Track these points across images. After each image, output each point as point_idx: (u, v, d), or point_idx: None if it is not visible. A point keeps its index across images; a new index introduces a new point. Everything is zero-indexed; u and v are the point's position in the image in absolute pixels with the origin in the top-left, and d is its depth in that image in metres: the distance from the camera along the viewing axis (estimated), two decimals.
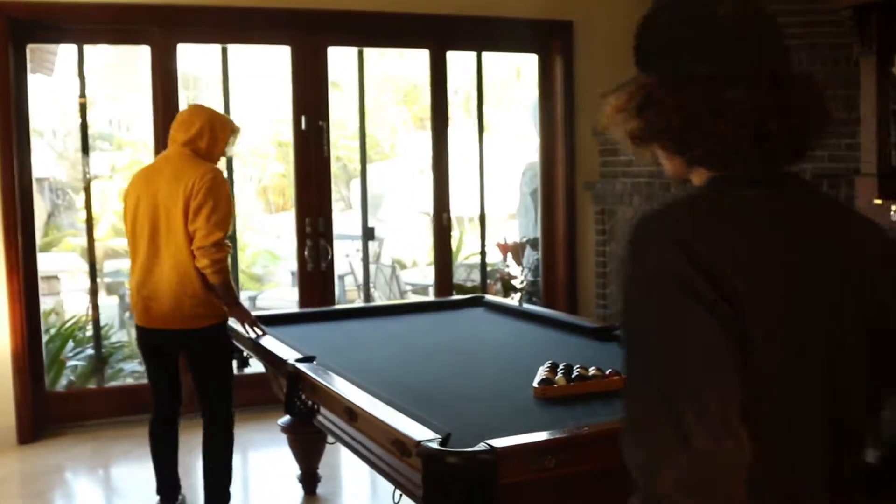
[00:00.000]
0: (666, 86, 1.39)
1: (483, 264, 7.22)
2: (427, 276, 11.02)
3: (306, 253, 6.27)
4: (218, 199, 4.15)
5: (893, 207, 5.26)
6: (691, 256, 1.27)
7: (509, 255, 7.72)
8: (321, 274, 6.31)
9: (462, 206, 8.15)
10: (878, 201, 5.38)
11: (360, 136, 6.90)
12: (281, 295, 10.49)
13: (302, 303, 6.29)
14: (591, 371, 3.38)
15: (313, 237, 6.28)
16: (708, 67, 1.35)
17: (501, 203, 10.49)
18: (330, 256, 6.24)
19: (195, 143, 4.29)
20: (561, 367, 3.43)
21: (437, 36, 6.63)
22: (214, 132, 4.32)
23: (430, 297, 10.30)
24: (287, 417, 4.55)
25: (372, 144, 14.45)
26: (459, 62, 7.97)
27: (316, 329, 4.64)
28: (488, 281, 7.39)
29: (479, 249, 7.27)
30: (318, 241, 6.28)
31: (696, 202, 1.37)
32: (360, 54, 6.58)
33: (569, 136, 7.12)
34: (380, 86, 14.69)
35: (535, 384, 3.26)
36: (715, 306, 1.25)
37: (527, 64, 13.41)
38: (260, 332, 4.34)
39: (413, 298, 9.61)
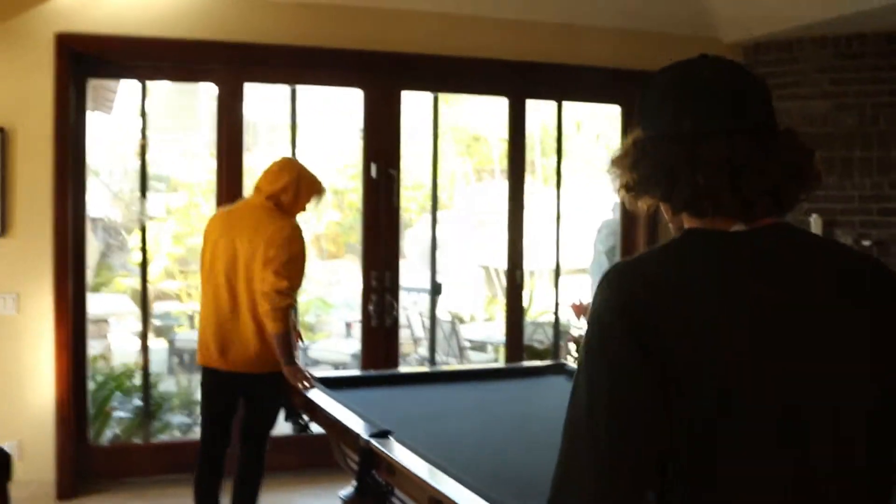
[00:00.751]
0: (654, 141, 1.49)
1: (557, 324, 6.79)
2: (486, 332, 10.62)
3: (371, 308, 5.89)
4: (292, 252, 4.23)
5: None
6: (625, 307, 1.39)
7: (583, 317, 7.29)
8: (385, 330, 5.93)
9: (532, 260, 7.75)
10: None
11: (433, 187, 6.55)
12: (334, 346, 10.13)
13: (365, 359, 5.91)
14: None
15: (379, 291, 5.90)
16: (691, 123, 1.45)
17: (573, 259, 10.08)
18: (395, 312, 5.86)
19: (278, 196, 4.35)
20: None
21: (517, 83, 6.28)
22: (299, 190, 4.37)
23: (489, 354, 9.91)
24: (350, 490, 4.14)
25: (430, 195, 14.16)
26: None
27: (384, 395, 4.24)
28: (560, 342, 6.95)
29: (549, 307, 6.85)
30: (383, 295, 5.90)
31: (663, 252, 1.49)
32: (436, 100, 6.24)
33: None
34: (442, 134, 14.42)
35: None
36: (634, 356, 1.37)
37: (587, 117, 13.10)
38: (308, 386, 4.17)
39: (476, 358, 9.18)
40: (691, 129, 1.45)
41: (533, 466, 3.09)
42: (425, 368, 6.73)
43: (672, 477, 1.39)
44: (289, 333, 4.25)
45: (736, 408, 1.37)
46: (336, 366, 9.23)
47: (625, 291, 1.41)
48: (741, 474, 1.38)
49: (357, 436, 3.30)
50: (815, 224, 6.16)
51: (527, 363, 5.17)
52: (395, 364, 6.02)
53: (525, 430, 3.62)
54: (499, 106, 11.30)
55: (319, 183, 4.49)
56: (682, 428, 1.37)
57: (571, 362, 5.05)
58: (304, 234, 4.40)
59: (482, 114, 12.82)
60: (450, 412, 3.91)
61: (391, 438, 3.24)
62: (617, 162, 1.56)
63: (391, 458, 3.01)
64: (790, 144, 1.48)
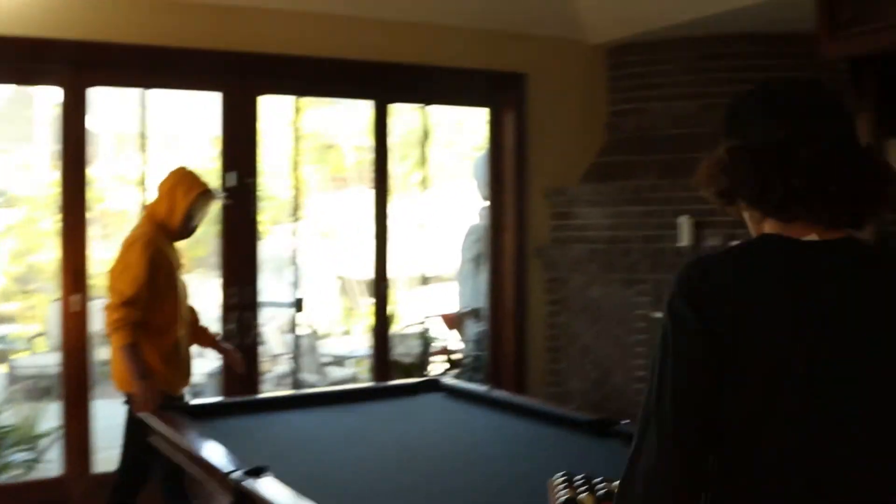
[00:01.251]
0: (747, 149, 1.61)
1: (425, 336, 6.51)
2: (346, 346, 10.25)
3: (233, 326, 5.47)
4: (125, 261, 4.12)
5: None
6: (691, 296, 1.56)
7: (455, 328, 7.04)
8: (246, 348, 5.51)
9: (397, 269, 7.45)
10: None
11: (295, 196, 6.14)
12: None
13: (225, 379, 5.48)
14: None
15: (238, 308, 5.49)
16: (784, 133, 1.58)
17: (439, 267, 9.81)
18: (256, 330, 5.46)
19: (154, 208, 4.25)
20: (578, 479, 2.75)
21: (381, 85, 5.98)
22: (174, 198, 4.20)
23: (349, 370, 9.53)
24: None
25: (279, 206, 13.70)
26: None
27: (252, 423, 3.85)
28: (428, 355, 6.68)
29: (415, 319, 6.57)
30: (242, 312, 5.50)
31: (733, 251, 1.63)
32: (297, 105, 5.88)
33: (519, 198, 6.52)
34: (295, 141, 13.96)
35: None
36: (696, 338, 1.54)
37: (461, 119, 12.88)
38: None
39: (336, 374, 8.79)
40: (784, 138, 1.58)
41: (421, 499, 2.80)
42: (291, 391, 6.32)
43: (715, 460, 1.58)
44: (131, 347, 4.10)
45: (777, 407, 1.53)
46: (190, 387, 8.67)
47: (691, 283, 1.58)
48: (775, 471, 1.54)
49: (226, 474, 2.92)
50: (685, 224, 6.07)
51: (400, 381, 4.86)
52: (256, 384, 5.62)
53: (412, 457, 3.31)
54: (354, 112, 10.98)
55: (203, 186, 4.28)
56: (730, 413, 1.55)
57: (451, 380, 4.76)
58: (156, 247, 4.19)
59: (336, 120, 12.46)
60: (327, 441, 3.57)
61: (267, 476, 2.88)
62: (710, 169, 1.69)
63: (269, 500, 2.65)
64: (871, 156, 1.61)
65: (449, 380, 4.68)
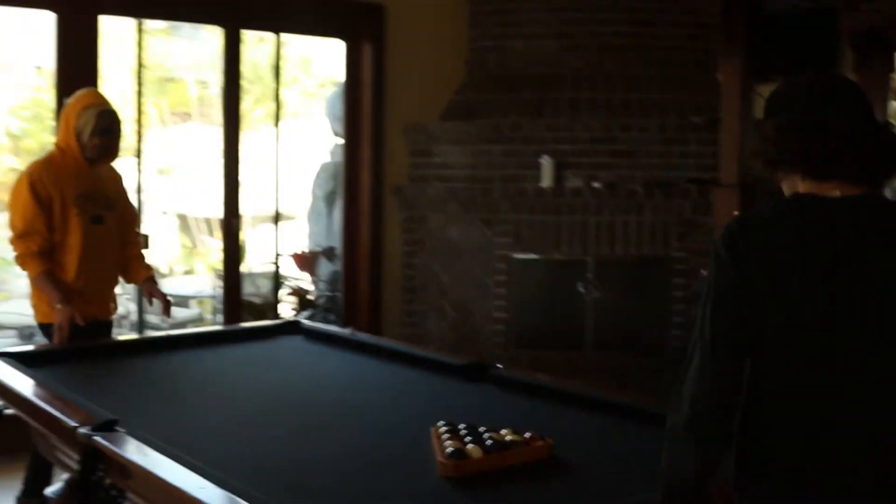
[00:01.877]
0: (794, 124, 1.93)
1: (277, 276, 6.23)
2: (189, 285, 9.82)
3: None
4: (14, 197, 4.03)
5: None
6: (732, 248, 1.88)
7: (305, 268, 6.78)
8: None
9: (247, 206, 7.12)
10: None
11: (138, 129, 5.70)
12: (19, 309, 8.96)
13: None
14: (507, 435, 2.56)
15: None
16: (822, 112, 1.92)
17: (289, 205, 9.46)
18: None
19: (58, 136, 4.14)
20: (462, 428, 2.60)
21: (231, 10, 5.61)
22: (66, 117, 4.04)
23: (193, 310, 9.14)
24: (60, 486, 3.45)
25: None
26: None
27: (98, 371, 3.55)
28: (280, 296, 6.41)
29: (266, 258, 6.29)
30: None
31: (773, 206, 1.97)
32: (140, 28, 5.45)
33: (377, 135, 6.29)
34: (135, 71, 13.23)
35: (443, 456, 2.40)
36: (734, 285, 1.87)
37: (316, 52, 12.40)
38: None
39: (180, 314, 8.40)
40: (822, 115, 1.91)
41: (295, 451, 2.59)
42: (137, 335, 5.96)
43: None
44: (43, 276, 3.97)
45: (801, 341, 1.84)
46: (23, 332, 8.13)
47: (733, 236, 1.90)
48: (797, 400, 1.85)
49: (73, 428, 2.63)
50: (547, 165, 5.98)
51: (258, 323, 4.60)
52: None
53: (278, 406, 3.10)
54: (197, 44, 10.43)
55: (88, 95, 4.10)
56: (763, 347, 1.87)
57: (311, 322, 4.53)
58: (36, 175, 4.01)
59: (178, 52, 11.84)
60: (184, 389, 3.31)
61: (119, 430, 2.61)
62: (760, 143, 2.00)
63: (124, 457, 2.39)
64: (888, 129, 1.97)
65: (309, 322, 4.46)
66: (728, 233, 1.90)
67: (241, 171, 5.80)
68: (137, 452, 2.41)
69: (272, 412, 3.00)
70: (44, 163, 4.07)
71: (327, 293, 6.65)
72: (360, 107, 6.34)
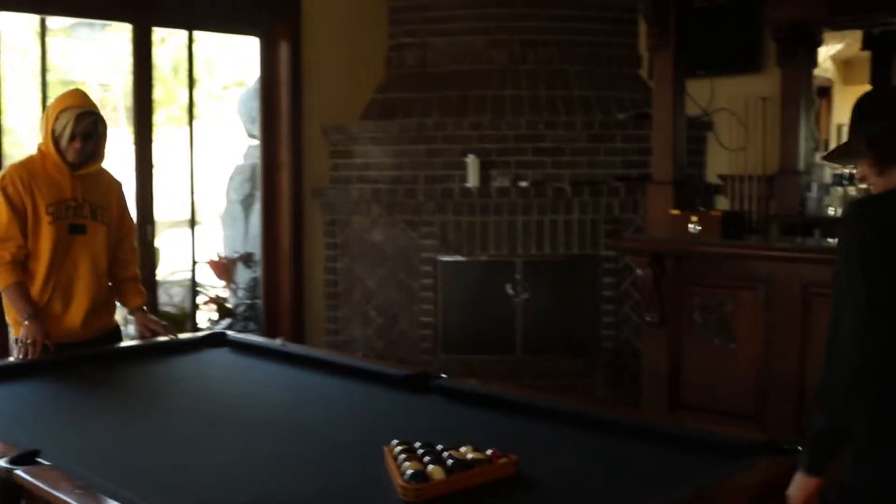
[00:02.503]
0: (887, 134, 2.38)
1: (194, 284, 5.96)
2: None
3: None
4: None
5: (693, 218, 4.72)
6: (872, 223, 2.31)
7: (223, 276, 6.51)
8: None
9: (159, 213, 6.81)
10: (676, 211, 4.82)
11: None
12: None
13: None
14: (468, 453, 2.39)
15: None
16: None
17: (204, 211, 9.13)
18: None
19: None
20: (419, 447, 2.42)
21: (142, 8, 5.33)
22: (46, 120, 3.73)
23: None
24: None
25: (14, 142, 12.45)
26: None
27: (5, 393, 3.26)
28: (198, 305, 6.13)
29: (182, 266, 6.01)
30: None
31: (881, 195, 2.39)
32: (43, 24, 5.12)
33: (295, 136, 6.06)
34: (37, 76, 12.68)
35: (403, 480, 2.22)
36: (879, 255, 2.26)
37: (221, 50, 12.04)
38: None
39: None
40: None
41: (239, 481, 2.38)
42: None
43: None
44: (11, 288, 3.67)
45: None
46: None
47: (869, 214, 2.34)
48: None
49: None
50: (473, 164, 5.84)
51: (182, 336, 4.32)
52: (4, 349, 4.91)
53: (211, 429, 2.87)
54: (99, 45, 10.03)
55: (67, 97, 3.74)
56: None
57: (236, 334, 4.29)
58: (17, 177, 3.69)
59: (79, 54, 11.39)
60: (108, 413, 3.05)
61: (43, 462, 2.37)
62: (866, 143, 2.38)
63: (53, 495, 2.15)
64: None
65: (236, 334, 4.23)
66: (863, 212, 2.37)
67: (153, 175, 5.52)
68: (68, 489, 2.17)
69: (208, 436, 2.77)
70: (19, 166, 3.75)
71: (246, 301, 6.39)
72: (277, 107, 6.11)
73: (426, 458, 2.33)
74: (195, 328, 5.84)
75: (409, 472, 2.25)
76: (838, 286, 2.29)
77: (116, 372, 3.59)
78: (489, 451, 2.41)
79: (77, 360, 3.67)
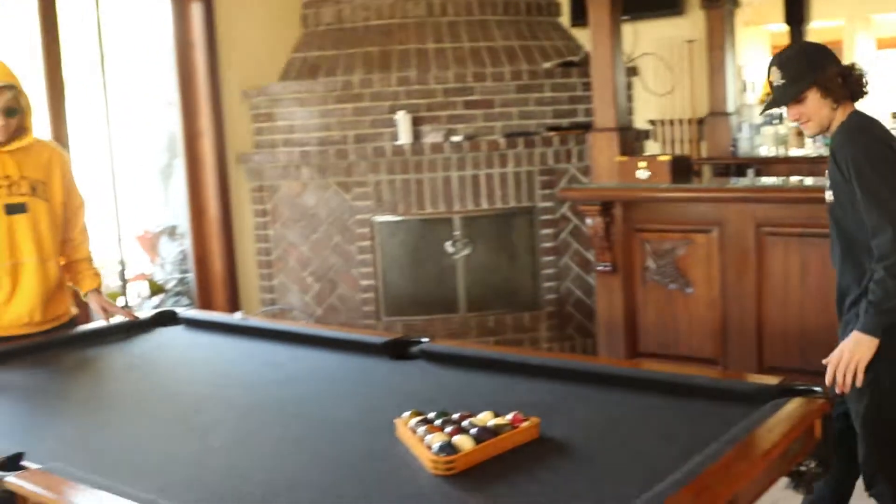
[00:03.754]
0: (846, 71, 3.02)
1: (123, 263, 5.67)
2: None
3: None
4: None
5: (640, 164, 4.68)
6: (882, 136, 2.98)
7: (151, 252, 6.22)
8: None
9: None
10: (622, 158, 4.77)
11: None
12: None
13: None
14: (489, 420, 2.29)
15: None
16: (838, 68, 3.01)
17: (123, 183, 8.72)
18: None
19: None
20: (433, 416, 2.31)
21: None
22: None
23: None
24: None
25: None
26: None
27: None
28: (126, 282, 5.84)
29: (104, 242, 5.70)
30: None
31: (864, 116, 3.03)
32: None
33: (215, 100, 5.82)
34: None
35: (432, 453, 2.11)
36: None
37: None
38: None
39: None
40: (838, 70, 3.00)
41: (245, 466, 2.22)
42: None
43: None
44: None
45: None
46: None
47: (877, 131, 2.99)
48: None
49: None
50: (403, 121, 5.69)
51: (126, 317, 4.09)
52: None
53: (194, 413, 2.69)
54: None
55: None
56: None
57: (188, 311, 4.08)
58: None
59: None
60: (78, 406, 2.84)
61: (29, 465, 2.18)
62: (826, 86, 2.98)
63: (58, 500, 1.97)
64: None
65: (188, 311, 4.02)
66: (870, 131, 2.96)
67: (70, 146, 5.21)
68: (72, 492, 1.99)
69: (197, 421, 2.60)
70: None
71: (176, 276, 6.14)
72: (193, 70, 5.84)
73: (448, 429, 2.22)
74: (126, 307, 5.57)
75: (437, 444, 2.13)
76: (863, 197, 2.83)
77: (71, 360, 3.38)
78: (509, 416, 2.32)
79: (24, 351, 3.43)
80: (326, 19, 6.25)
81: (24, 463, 2.19)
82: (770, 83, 3.02)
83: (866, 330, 2.82)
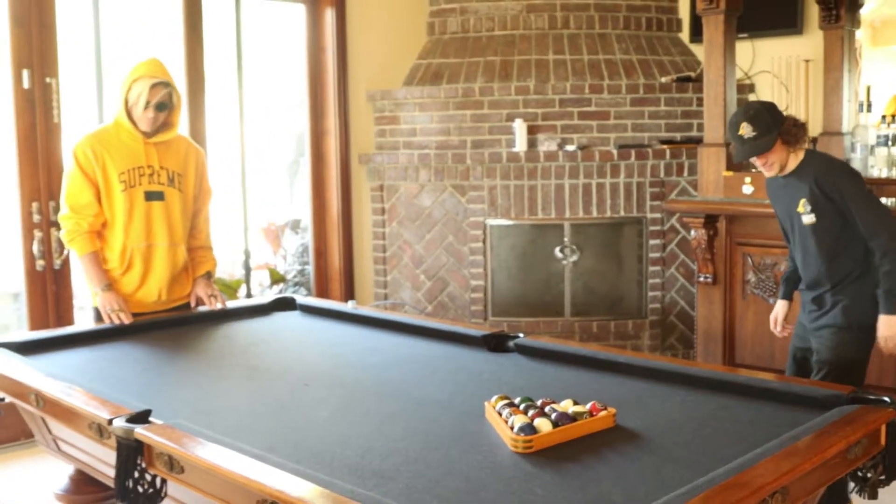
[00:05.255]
0: (797, 123, 3.57)
1: (246, 253, 6.03)
2: None
3: (35, 247, 4.82)
4: (66, 172, 3.83)
5: (746, 180, 4.77)
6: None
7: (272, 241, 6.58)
8: (55, 273, 4.89)
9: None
10: (728, 173, 4.87)
11: (99, 100, 5.41)
12: None
13: (33, 312, 4.84)
14: (569, 407, 2.48)
15: (43, 227, 4.84)
16: (791, 120, 3.57)
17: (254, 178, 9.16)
18: (67, 250, 4.82)
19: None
20: (518, 401, 2.51)
21: None
22: (121, 89, 3.79)
23: None
24: (67, 484, 3.28)
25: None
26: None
27: (98, 357, 3.37)
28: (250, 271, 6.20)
29: (231, 233, 6.07)
30: (49, 230, 4.85)
31: (823, 153, 3.83)
32: None
33: (342, 102, 6.12)
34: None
35: (514, 432, 2.31)
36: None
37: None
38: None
39: None
40: (789, 125, 3.56)
41: (346, 433, 2.46)
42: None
43: None
44: (87, 258, 3.76)
45: None
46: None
47: (846, 162, 4.47)
48: None
49: (107, 422, 2.47)
50: (520, 129, 5.88)
51: (252, 301, 4.41)
52: (70, 314, 5.00)
53: (303, 387, 2.96)
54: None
55: (138, 67, 3.75)
56: None
57: (305, 298, 4.36)
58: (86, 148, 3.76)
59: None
60: (199, 373, 3.14)
61: (155, 421, 2.46)
62: (791, 133, 3.54)
63: (180, 450, 2.24)
64: None
65: (305, 298, 4.31)
66: (841, 162, 3.73)
67: (206, 142, 5.58)
68: (192, 444, 2.26)
69: (305, 395, 2.86)
70: (91, 136, 3.79)
71: (297, 267, 6.48)
72: (323, 73, 6.16)
73: (530, 413, 2.42)
74: (249, 295, 5.93)
75: (518, 424, 2.33)
76: (858, 211, 3.41)
77: (197, 335, 3.69)
78: (588, 405, 2.50)
79: (151, 326, 3.77)
80: (452, 28, 6.50)
81: (151, 419, 2.48)
82: (741, 136, 3.46)
83: (891, 312, 3.40)
